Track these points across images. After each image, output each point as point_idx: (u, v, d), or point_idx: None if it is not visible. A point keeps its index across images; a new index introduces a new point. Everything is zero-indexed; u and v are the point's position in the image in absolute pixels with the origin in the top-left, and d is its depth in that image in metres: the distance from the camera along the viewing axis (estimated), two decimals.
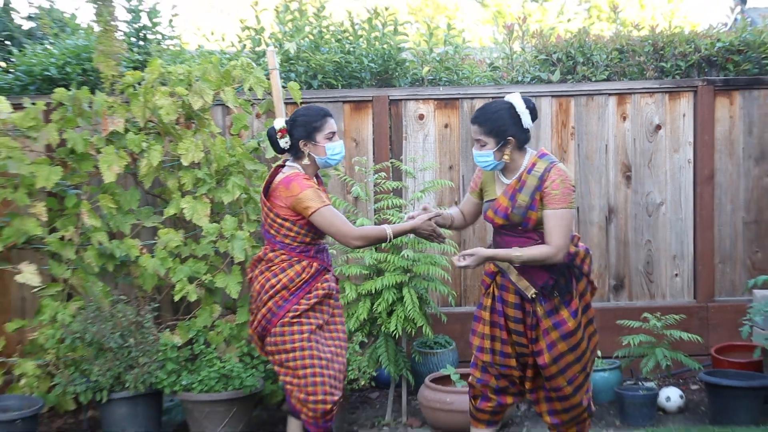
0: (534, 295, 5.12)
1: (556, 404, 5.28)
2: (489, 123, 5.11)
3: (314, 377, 5.14)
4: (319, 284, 5.27)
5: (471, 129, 5.29)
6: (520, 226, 5.16)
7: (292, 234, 5.18)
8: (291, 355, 5.17)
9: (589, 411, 5.35)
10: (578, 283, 5.20)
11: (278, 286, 5.20)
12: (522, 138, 5.15)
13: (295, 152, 5.31)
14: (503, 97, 7.31)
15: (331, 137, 5.29)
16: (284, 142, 5.25)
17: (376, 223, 7.43)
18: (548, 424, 5.44)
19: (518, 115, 5.10)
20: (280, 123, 5.28)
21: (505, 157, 5.12)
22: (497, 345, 5.30)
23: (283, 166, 5.36)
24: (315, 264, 5.28)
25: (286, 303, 5.20)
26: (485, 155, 5.13)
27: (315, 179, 5.36)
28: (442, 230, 5.51)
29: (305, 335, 5.17)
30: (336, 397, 5.22)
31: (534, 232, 5.17)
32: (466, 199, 5.71)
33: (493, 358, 5.32)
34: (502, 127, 5.08)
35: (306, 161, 5.28)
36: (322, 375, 5.16)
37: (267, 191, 5.29)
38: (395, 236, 5.33)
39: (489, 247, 5.39)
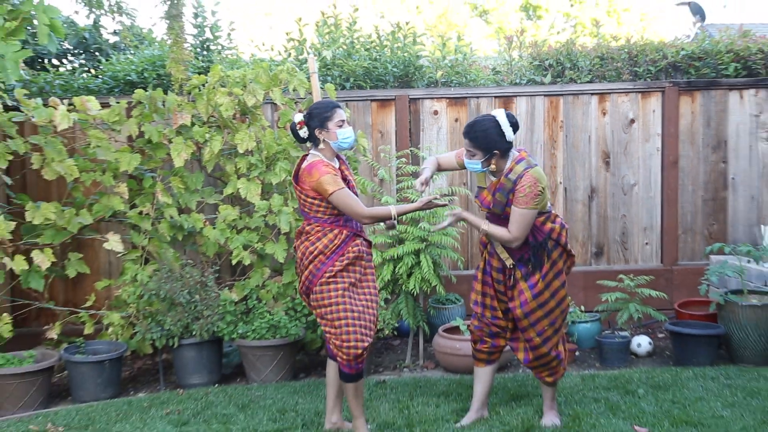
0: (512, 265, 5.37)
1: (529, 353, 5.49)
2: (477, 140, 5.26)
3: (347, 327, 5.14)
4: (349, 248, 5.27)
5: (463, 141, 5.44)
6: (501, 216, 5.34)
7: (322, 209, 5.21)
8: (329, 309, 5.19)
9: (559, 358, 5.46)
10: (552, 252, 5.37)
11: (315, 252, 5.23)
12: (505, 149, 5.28)
13: (314, 140, 5.34)
14: (507, 96, 7.60)
15: (341, 125, 5.31)
16: (303, 132, 5.32)
17: (398, 200, 7.57)
18: (523, 366, 5.81)
19: (503, 131, 5.22)
20: (299, 117, 5.36)
21: (492, 166, 5.32)
22: (488, 300, 5.58)
23: (308, 154, 5.38)
24: (345, 231, 5.29)
25: (323, 266, 5.21)
26: (475, 163, 5.33)
27: (337, 160, 5.41)
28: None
29: (339, 292, 5.19)
30: (366, 343, 5.19)
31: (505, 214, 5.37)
32: (454, 155, 5.74)
33: (484, 311, 5.59)
34: (489, 143, 5.23)
35: (322, 146, 5.31)
36: (354, 325, 5.16)
37: (297, 177, 5.34)
38: (399, 215, 5.40)
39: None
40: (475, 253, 8.46)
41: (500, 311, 5.55)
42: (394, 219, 5.40)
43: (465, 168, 5.59)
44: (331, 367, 5.50)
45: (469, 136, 5.32)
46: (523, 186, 5.17)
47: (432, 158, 5.82)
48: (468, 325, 5.94)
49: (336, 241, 5.31)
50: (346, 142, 5.38)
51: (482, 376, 5.70)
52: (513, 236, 5.21)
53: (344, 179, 5.34)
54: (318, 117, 5.34)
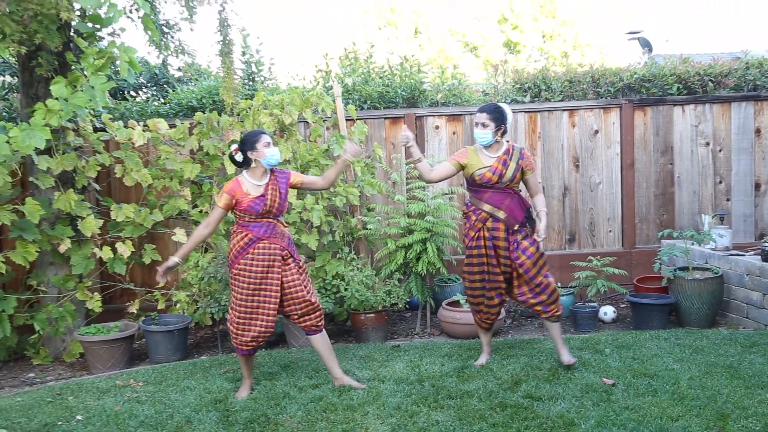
0: (517, 227, 5.46)
1: (542, 296, 5.54)
2: (493, 113, 5.41)
3: (238, 320, 5.27)
4: (252, 249, 5.22)
5: (477, 116, 5.47)
6: (507, 182, 5.45)
7: (236, 213, 5.31)
8: (233, 297, 5.31)
9: (557, 292, 5.65)
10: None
11: (230, 247, 5.35)
12: (505, 129, 5.47)
13: (248, 162, 5.29)
14: None
15: (267, 145, 5.23)
16: (239, 157, 5.28)
17: (408, 198, 7.47)
18: (540, 312, 5.62)
19: (506, 115, 5.45)
20: (233, 146, 5.34)
21: (497, 137, 5.44)
22: (488, 267, 5.59)
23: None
24: (249, 234, 5.25)
25: (233, 262, 5.28)
26: (486, 134, 5.41)
27: (270, 174, 5.31)
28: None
29: (240, 288, 5.25)
30: (244, 338, 5.27)
31: (510, 187, 5.51)
32: (442, 166, 5.68)
33: (488, 276, 5.59)
34: (500, 117, 5.43)
35: (254, 165, 5.25)
36: (243, 321, 5.26)
37: None
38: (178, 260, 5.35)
39: (471, 199, 5.65)
40: None
41: (501, 275, 5.61)
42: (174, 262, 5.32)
43: (461, 170, 5.57)
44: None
45: (486, 110, 5.46)
46: (527, 158, 5.58)
47: (425, 164, 5.70)
48: (472, 304, 5.84)
49: (240, 243, 5.28)
50: (273, 159, 5.28)
51: (486, 335, 5.91)
52: (540, 191, 5.80)
53: (269, 190, 5.27)
54: (249, 142, 5.28)
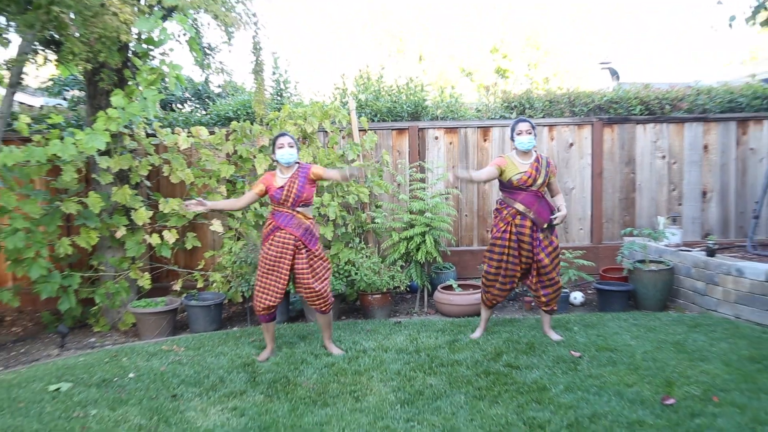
0: (544, 227, 5.51)
1: (549, 289, 5.62)
2: (532, 124, 5.52)
3: (258, 289, 5.34)
4: (273, 235, 5.30)
5: (520, 125, 5.51)
6: (537, 186, 5.50)
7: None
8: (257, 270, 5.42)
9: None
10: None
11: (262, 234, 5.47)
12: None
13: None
14: (486, 126, 7.58)
15: (281, 147, 5.24)
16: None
17: (410, 198, 7.52)
18: (542, 304, 5.69)
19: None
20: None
21: (534, 142, 5.55)
22: (508, 257, 5.59)
23: None
24: (273, 222, 5.32)
25: (262, 243, 5.40)
26: (532, 140, 5.50)
27: (294, 169, 5.31)
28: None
29: (261, 263, 5.34)
30: (261, 305, 5.33)
31: (539, 190, 5.54)
32: (486, 170, 5.61)
33: (505, 265, 5.61)
34: (534, 128, 5.56)
35: (274, 163, 5.37)
36: (260, 290, 5.33)
37: None
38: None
39: (505, 199, 5.62)
40: (464, 235, 8.39)
41: (519, 267, 5.64)
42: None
43: (501, 174, 5.57)
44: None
45: (528, 121, 5.55)
46: (552, 164, 5.71)
47: (475, 173, 5.68)
48: (488, 283, 5.80)
49: (266, 230, 5.38)
50: (283, 159, 5.27)
51: (488, 311, 5.95)
52: (562, 194, 5.83)
53: (289, 182, 5.28)
54: (271, 146, 5.39)
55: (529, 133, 5.50)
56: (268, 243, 5.33)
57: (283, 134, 5.36)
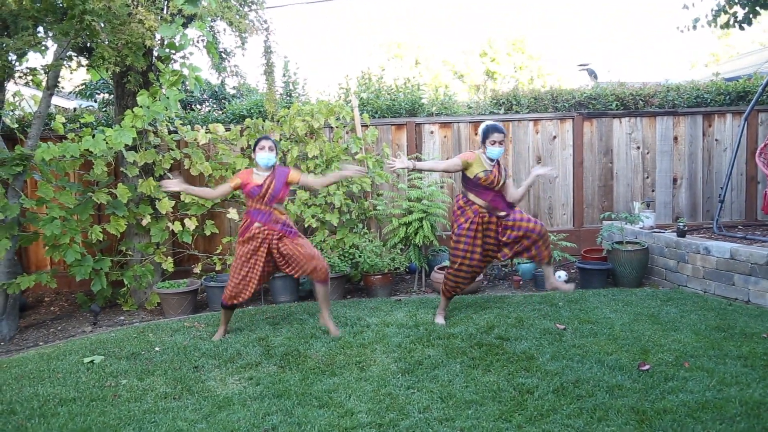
0: (503, 214, 5.28)
1: (539, 243, 5.31)
2: (505, 135, 5.19)
3: (230, 282, 5.21)
4: (250, 230, 5.13)
5: (494, 135, 5.13)
6: (499, 187, 5.24)
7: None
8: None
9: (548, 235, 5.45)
10: None
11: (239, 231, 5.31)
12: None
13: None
14: (476, 121, 7.52)
15: (261, 149, 5.09)
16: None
17: (408, 186, 7.49)
18: (538, 258, 5.38)
19: None
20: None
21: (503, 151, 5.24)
22: (474, 255, 5.31)
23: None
24: (248, 218, 5.18)
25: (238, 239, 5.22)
26: (502, 151, 5.17)
27: (273, 170, 5.16)
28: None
29: (237, 258, 5.19)
30: (230, 302, 5.25)
31: (499, 191, 5.28)
32: (452, 162, 5.28)
33: (470, 261, 5.33)
34: (506, 137, 5.24)
35: (256, 162, 5.16)
36: (233, 285, 5.19)
37: None
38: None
39: (469, 196, 5.31)
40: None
41: (483, 263, 5.42)
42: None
43: (466, 168, 5.24)
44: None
45: (502, 132, 5.18)
46: (506, 167, 5.45)
47: (426, 163, 5.53)
48: (453, 273, 5.46)
49: (242, 227, 5.22)
50: (262, 161, 5.12)
51: (446, 302, 5.65)
52: (515, 195, 5.37)
53: (267, 181, 5.13)
54: (253, 146, 5.22)
55: (501, 144, 5.17)
56: (245, 239, 5.16)
57: (265, 137, 5.18)
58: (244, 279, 5.21)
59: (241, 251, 5.19)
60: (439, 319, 5.52)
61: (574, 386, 3.90)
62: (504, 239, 5.34)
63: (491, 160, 5.25)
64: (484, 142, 5.23)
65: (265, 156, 5.13)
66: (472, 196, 5.32)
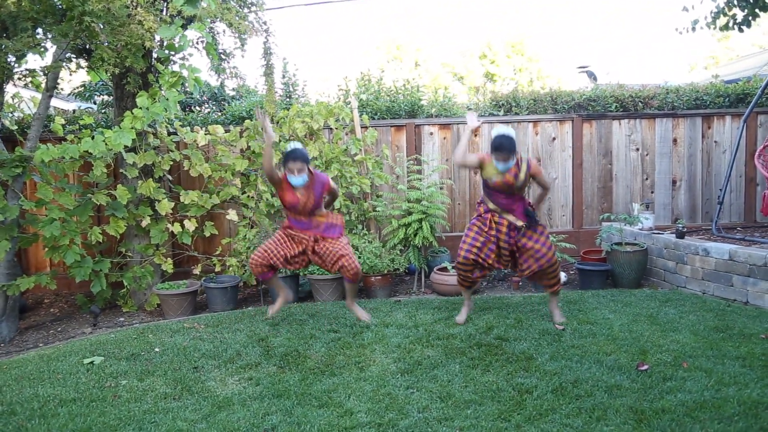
0: (521, 224, 5.22)
1: (549, 274, 5.30)
2: (513, 150, 4.95)
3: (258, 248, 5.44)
4: (290, 229, 5.38)
5: (496, 154, 4.96)
6: (516, 190, 5.14)
7: None
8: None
9: (559, 271, 5.38)
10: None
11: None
12: (516, 151, 5.01)
13: None
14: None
15: (290, 172, 5.07)
16: None
17: (408, 188, 7.49)
18: (547, 286, 5.40)
19: (515, 141, 4.97)
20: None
21: (515, 157, 5.03)
22: (484, 241, 5.25)
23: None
24: (287, 223, 5.42)
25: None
26: (509, 164, 4.99)
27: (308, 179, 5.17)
28: None
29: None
30: (253, 265, 5.39)
31: (519, 193, 5.20)
32: (473, 158, 5.20)
33: (481, 251, 5.27)
34: (515, 150, 4.98)
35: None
36: (259, 252, 5.37)
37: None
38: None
39: (484, 200, 5.31)
40: (457, 221, 8.36)
41: (493, 254, 5.32)
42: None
43: (479, 167, 5.18)
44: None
45: (508, 149, 4.93)
46: (534, 164, 5.17)
47: (464, 141, 5.24)
48: (460, 263, 5.42)
49: (285, 223, 5.46)
50: (295, 182, 5.16)
51: (467, 292, 5.64)
52: (548, 186, 5.38)
53: (307, 196, 5.22)
54: (283, 160, 5.22)
55: (506, 160, 4.98)
56: (286, 231, 5.40)
57: (293, 156, 5.08)
58: (274, 250, 5.39)
59: (282, 233, 5.45)
60: (459, 317, 5.52)
61: (573, 386, 3.92)
62: (521, 261, 5.35)
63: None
64: (492, 152, 5.07)
65: (295, 179, 5.13)
66: (486, 199, 5.34)
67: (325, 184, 5.28)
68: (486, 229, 5.27)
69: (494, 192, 5.24)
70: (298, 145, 5.23)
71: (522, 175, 5.12)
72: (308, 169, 5.20)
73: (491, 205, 5.28)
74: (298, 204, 5.20)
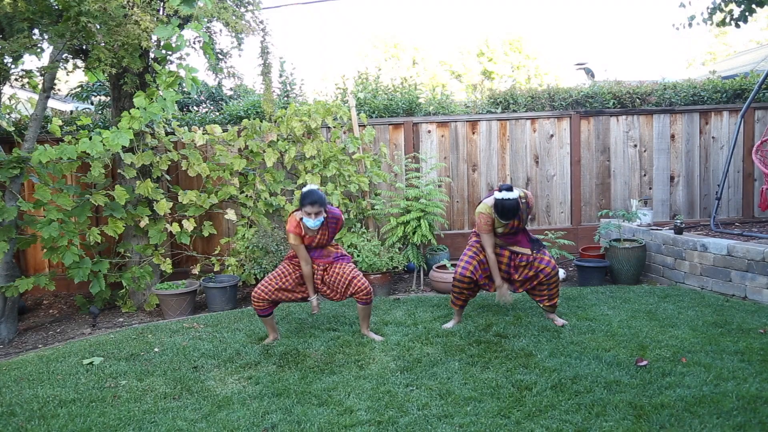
0: (532, 252, 5.18)
1: (553, 292, 5.23)
2: (517, 216, 4.96)
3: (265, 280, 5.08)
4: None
5: (503, 222, 4.97)
6: (516, 234, 5.14)
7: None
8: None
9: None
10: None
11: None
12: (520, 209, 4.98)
13: None
14: (474, 120, 7.41)
15: (308, 215, 4.81)
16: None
17: (406, 186, 7.50)
18: (546, 307, 5.29)
19: (518, 204, 4.89)
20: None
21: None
22: (482, 266, 5.21)
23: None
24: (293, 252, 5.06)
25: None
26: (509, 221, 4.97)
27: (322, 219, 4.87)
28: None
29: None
30: (256, 303, 5.05)
31: (520, 228, 5.15)
32: (488, 238, 5.12)
33: (477, 271, 5.20)
34: (519, 214, 5.00)
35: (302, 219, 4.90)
36: (267, 283, 5.06)
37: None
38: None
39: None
40: (456, 219, 8.36)
41: (488, 282, 5.29)
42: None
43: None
44: None
45: (514, 217, 4.93)
46: (530, 198, 5.13)
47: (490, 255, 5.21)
48: (456, 283, 5.32)
49: (291, 253, 5.13)
50: (311, 225, 4.85)
51: (460, 312, 5.47)
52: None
53: (321, 233, 4.97)
54: (301, 202, 4.90)
55: (509, 225, 5.02)
56: (292, 261, 5.13)
57: (311, 201, 4.81)
58: (279, 283, 5.10)
59: (286, 265, 5.14)
60: (447, 324, 5.40)
61: (572, 382, 3.93)
62: (516, 276, 5.28)
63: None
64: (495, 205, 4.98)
65: (311, 222, 4.84)
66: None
67: (339, 221, 5.07)
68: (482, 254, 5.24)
69: (499, 236, 5.20)
70: (314, 187, 4.99)
71: (524, 214, 5.11)
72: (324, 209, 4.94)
73: (499, 241, 5.21)
74: (313, 242, 5.01)
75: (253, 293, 5.09)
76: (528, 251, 5.22)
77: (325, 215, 4.93)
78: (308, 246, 5.04)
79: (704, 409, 3.45)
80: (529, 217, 5.16)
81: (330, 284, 5.13)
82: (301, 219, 4.90)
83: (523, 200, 5.07)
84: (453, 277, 5.35)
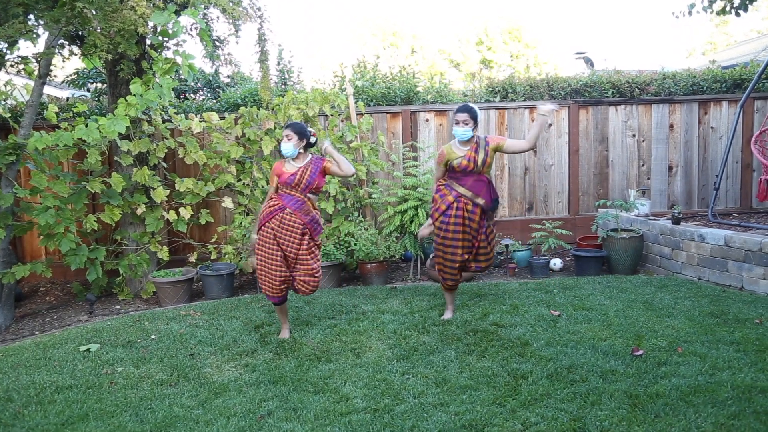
0: (485, 204, 5.09)
1: (481, 257, 5.25)
2: (471, 113, 4.95)
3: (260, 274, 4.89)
4: (274, 216, 4.79)
5: (457, 115, 4.97)
6: (479, 170, 5.02)
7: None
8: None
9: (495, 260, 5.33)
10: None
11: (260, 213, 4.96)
12: (477, 125, 5.04)
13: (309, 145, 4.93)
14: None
15: (282, 139, 4.84)
16: (312, 139, 4.94)
17: (404, 174, 7.51)
18: (474, 269, 5.29)
19: (478, 113, 5.01)
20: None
21: (474, 131, 5.01)
22: (466, 244, 5.15)
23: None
24: (279, 202, 4.83)
25: (261, 224, 4.89)
26: (468, 131, 4.95)
27: (308, 159, 4.87)
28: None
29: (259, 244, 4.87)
30: (269, 294, 4.89)
31: (481, 174, 5.07)
32: (439, 171, 5.21)
33: (455, 247, 5.14)
34: (476, 116, 4.98)
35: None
36: (262, 277, 4.88)
37: None
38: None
39: (450, 183, 5.14)
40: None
41: (468, 244, 5.17)
42: None
43: (446, 166, 5.13)
44: None
45: (466, 109, 4.98)
46: (492, 138, 5.11)
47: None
48: (445, 266, 5.28)
49: (266, 209, 4.89)
50: (284, 151, 4.85)
51: (450, 295, 5.43)
52: (529, 145, 5.08)
53: (301, 170, 4.83)
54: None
55: (466, 124, 4.96)
56: (270, 223, 4.83)
57: (287, 125, 4.88)
58: (273, 272, 4.87)
59: (264, 238, 4.85)
60: (447, 314, 5.36)
61: (568, 371, 3.95)
62: (479, 238, 5.23)
63: (463, 143, 5.09)
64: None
65: (284, 147, 4.84)
66: (451, 182, 5.17)
67: (322, 164, 4.91)
68: (451, 218, 5.13)
69: (462, 175, 5.12)
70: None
71: (482, 150, 5.06)
72: (303, 146, 4.88)
73: (460, 189, 5.11)
74: (294, 178, 4.81)
75: (263, 291, 5.01)
76: (482, 201, 5.08)
77: (310, 157, 4.92)
78: (290, 186, 4.84)
79: (699, 399, 3.47)
80: (489, 162, 5.04)
81: (282, 238, 4.83)
82: (284, 163, 4.92)
83: (484, 136, 5.14)
84: (443, 266, 5.28)
